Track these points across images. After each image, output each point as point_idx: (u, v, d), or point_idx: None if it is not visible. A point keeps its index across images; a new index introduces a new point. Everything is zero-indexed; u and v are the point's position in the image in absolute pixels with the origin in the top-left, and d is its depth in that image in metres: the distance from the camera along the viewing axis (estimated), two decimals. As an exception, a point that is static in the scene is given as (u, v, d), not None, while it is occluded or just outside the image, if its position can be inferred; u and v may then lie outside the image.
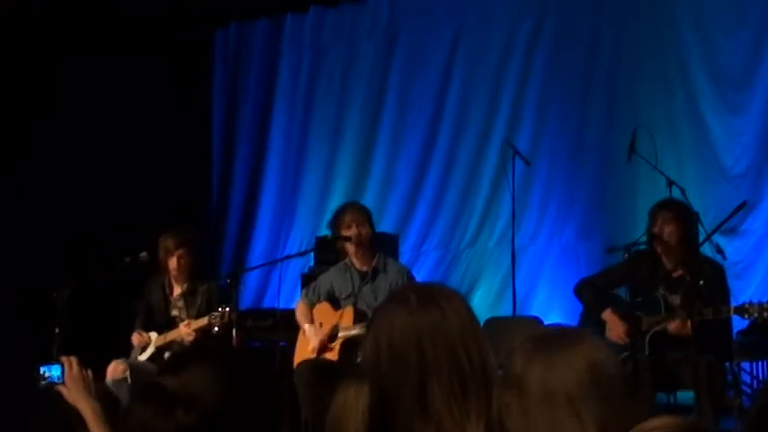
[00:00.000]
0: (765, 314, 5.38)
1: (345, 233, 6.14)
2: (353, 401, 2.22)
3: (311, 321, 6.23)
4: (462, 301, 1.97)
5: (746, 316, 5.47)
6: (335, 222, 6.20)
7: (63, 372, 2.79)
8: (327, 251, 7.40)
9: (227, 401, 1.83)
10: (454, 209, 8.36)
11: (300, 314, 6.31)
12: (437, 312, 1.89)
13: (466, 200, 8.32)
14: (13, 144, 8.01)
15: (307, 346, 6.19)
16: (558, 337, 2.09)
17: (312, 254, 7.83)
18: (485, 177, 8.25)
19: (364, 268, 6.15)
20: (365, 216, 6.12)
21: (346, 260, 6.22)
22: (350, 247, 6.16)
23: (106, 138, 8.32)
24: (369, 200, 7.83)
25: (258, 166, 9.14)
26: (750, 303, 5.43)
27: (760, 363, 6.77)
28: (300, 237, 8.78)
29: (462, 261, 8.30)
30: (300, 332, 6.32)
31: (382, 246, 6.30)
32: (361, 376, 2.19)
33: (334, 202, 8.71)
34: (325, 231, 8.43)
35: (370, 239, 6.10)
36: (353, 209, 6.23)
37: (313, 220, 8.78)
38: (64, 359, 2.85)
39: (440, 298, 1.92)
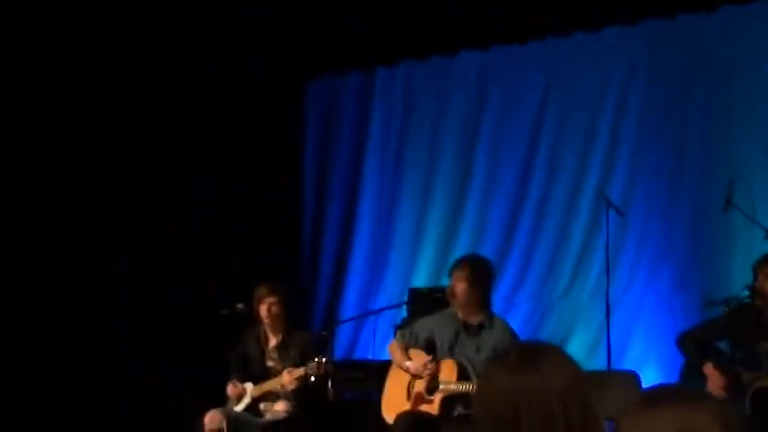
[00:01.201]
0: None
1: (449, 285, 6.18)
2: None
3: (409, 358, 6.15)
4: (567, 361, 1.95)
5: None
6: (449, 272, 6.23)
7: None
8: (421, 303, 7.44)
9: None
10: (547, 259, 8.33)
11: (397, 354, 6.21)
12: (536, 373, 1.89)
13: (558, 250, 8.29)
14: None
15: (399, 384, 6.11)
16: (654, 396, 2.02)
17: (405, 306, 7.86)
18: (578, 228, 8.22)
19: (470, 320, 6.10)
20: (467, 272, 6.04)
21: (452, 309, 6.17)
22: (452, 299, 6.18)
23: (202, 192, 8.48)
24: (460, 251, 7.84)
25: (350, 217, 9.22)
26: None
27: None
28: (393, 289, 8.82)
29: (555, 312, 8.26)
30: (390, 372, 6.25)
31: (489, 304, 6.19)
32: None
33: (427, 254, 8.77)
34: (418, 283, 8.53)
35: (468, 297, 6.04)
36: (458, 263, 6.18)
37: (405, 271, 8.81)
38: None
39: (541, 357, 1.92)
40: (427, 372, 6.01)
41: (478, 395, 1.98)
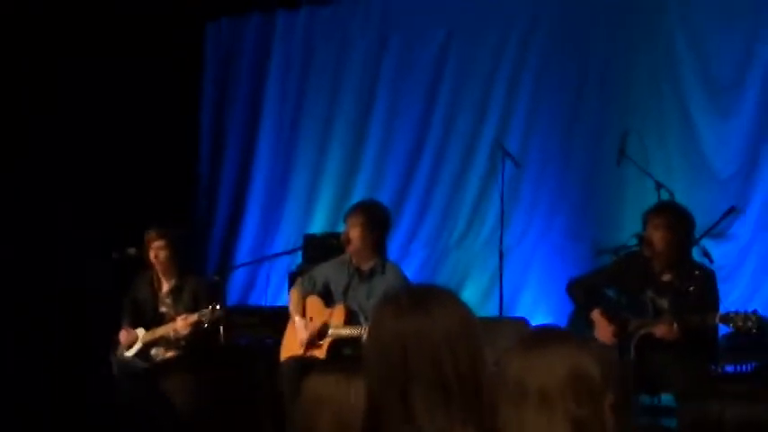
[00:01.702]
0: (749, 323, 5.42)
1: (343, 231, 6.17)
2: (327, 396, 2.23)
3: (303, 313, 6.22)
4: (456, 305, 1.95)
5: (730, 324, 5.50)
6: (344, 218, 6.23)
7: None
8: (316, 249, 7.44)
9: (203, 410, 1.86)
10: (443, 208, 8.38)
11: (293, 304, 6.28)
12: (425, 316, 1.88)
13: (454, 199, 8.34)
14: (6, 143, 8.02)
15: (295, 338, 6.18)
16: (542, 337, 2.17)
17: (300, 252, 7.85)
18: (474, 177, 8.27)
19: (363, 267, 6.14)
20: (362, 218, 6.07)
21: (346, 255, 6.20)
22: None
23: (96, 135, 8.31)
24: (357, 198, 7.84)
25: (247, 162, 9.14)
26: (735, 313, 5.47)
27: (744, 365, 6.85)
28: (288, 235, 8.79)
29: (450, 260, 8.33)
30: (290, 322, 6.30)
31: (383, 250, 6.23)
32: (347, 372, 2.22)
33: (323, 200, 8.75)
34: (314, 229, 8.52)
35: (361, 243, 6.06)
36: (353, 209, 6.22)
37: (301, 217, 8.78)
38: None
39: (431, 301, 1.91)
40: (305, 343, 6.04)
41: (368, 338, 1.97)
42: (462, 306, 1.95)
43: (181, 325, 6.39)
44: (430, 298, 1.92)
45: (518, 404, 2.01)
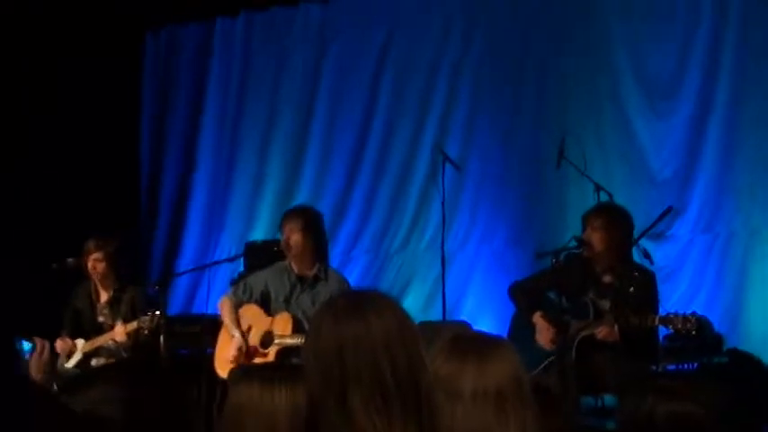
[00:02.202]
0: (688, 325, 5.47)
1: (282, 238, 6.11)
2: (257, 401, 2.22)
3: (238, 325, 6.13)
4: (394, 309, 1.94)
5: (670, 327, 5.55)
6: (280, 225, 6.17)
7: (32, 351, 2.77)
8: (258, 257, 7.39)
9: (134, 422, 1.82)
10: (384, 213, 8.37)
11: (227, 315, 6.16)
12: (362, 321, 1.88)
13: (396, 204, 8.34)
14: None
15: (227, 350, 6.09)
16: (483, 339, 2.23)
17: (242, 260, 7.80)
18: (415, 182, 8.27)
19: (305, 273, 6.08)
20: (300, 223, 6.02)
21: (286, 263, 6.15)
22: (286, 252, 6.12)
23: (33, 142, 8.22)
24: (301, 200, 7.84)
25: (188, 170, 9.08)
26: (675, 314, 5.51)
27: (684, 365, 6.90)
28: (230, 242, 8.73)
29: (392, 265, 8.33)
30: (223, 329, 6.20)
31: (324, 255, 6.22)
32: (293, 379, 2.21)
33: (265, 207, 8.70)
34: (255, 236, 8.46)
35: (303, 248, 6.02)
36: (289, 214, 6.17)
37: (243, 225, 8.73)
38: (38, 341, 2.82)
39: (367, 306, 1.91)
40: (238, 357, 5.97)
41: (306, 343, 1.96)
42: (399, 310, 1.94)
43: (119, 332, 6.31)
44: (367, 303, 1.91)
45: (452, 405, 2.07)
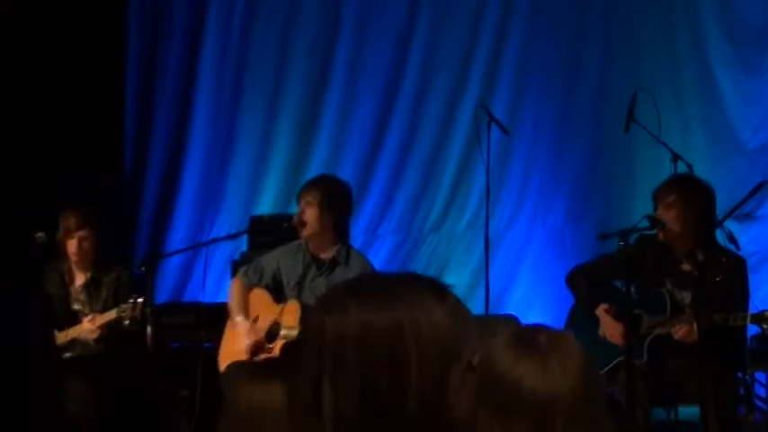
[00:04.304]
0: None
1: (297, 212, 6.08)
2: (279, 402, 2.20)
3: (246, 312, 6.12)
4: (427, 303, 1.83)
5: (764, 326, 5.50)
6: (297, 196, 6.16)
7: None
8: (264, 233, 7.36)
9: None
10: (417, 185, 8.36)
11: (234, 299, 6.18)
12: (375, 312, 1.81)
13: (431, 175, 8.32)
14: None
15: (236, 342, 6.08)
16: (545, 335, 2.22)
17: (245, 237, 7.77)
18: (454, 148, 8.26)
19: (321, 255, 6.07)
20: (319, 195, 5.99)
21: (300, 241, 6.12)
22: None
23: (12, 102, 8.20)
24: (312, 173, 7.70)
25: (181, 134, 9.05)
26: None
27: (777, 373, 6.85)
28: (231, 217, 8.71)
29: (426, 247, 8.33)
30: (229, 322, 6.22)
31: (345, 236, 6.20)
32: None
33: (272, 176, 8.68)
34: (261, 210, 8.42)
35: (319, 226, 6.00)
36: (308, 186, 6.15)
37: (246, 197, 8.70)
38: None
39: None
40: (250, 349, 5.97)
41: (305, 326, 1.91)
42: (437, 306, 1.82)
43: (87, 327, 6.25)
44: (396, 290, 1.83)
45: (506, 414, 2.11)
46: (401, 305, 1.79)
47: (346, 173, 7.78)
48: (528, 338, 2.21)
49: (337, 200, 6.08)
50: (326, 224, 6.03)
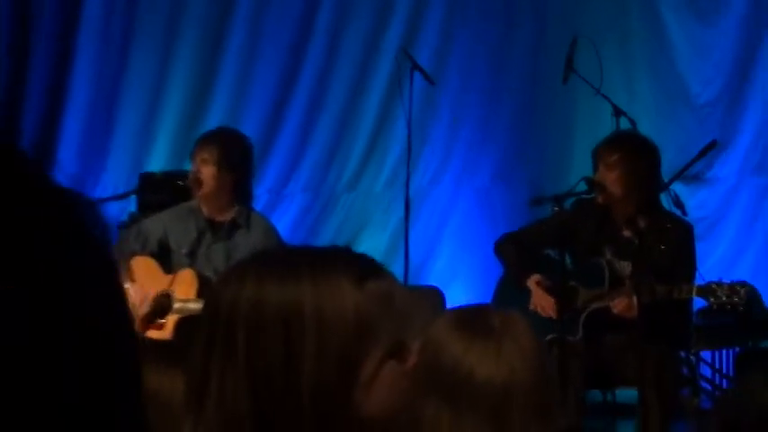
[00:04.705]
0: (736, 298, 5.49)
1: (192, 170, 6.07)
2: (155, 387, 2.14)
3: (131, 278, 6.07)
4: (348, 287, 1.80)
5: (711, 299, 5.57)
6: (191, 153, 6.14)
7: None
8: (156, 193, 7.32)
9: None
10: (329, 139, 8.36)
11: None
12: (291, 287, 1.79)
13: (345, 127, 8.33)
14: None
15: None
16: (496, 317, 2.27)
17: (134, 197, 7.73)
18: (371, 99, 8.27)
19: (218, 218, 6.06)
20: (216, 152, 5.96)
21: (192, 203, 6.11)
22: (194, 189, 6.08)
23: None
24: (211, 124, 7.68)
25: (60, 80, 8.88)
26: (719, 283, 5.53)
27: (724, 352, 6.96)
28: (118, 175, 8.62)
29: (339, 208, 8.35)
30: None
31: (247, 196, 6.17)
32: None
33: (165, 129, 8.59)
34: (152, 167, 8.36)
35: (217, 185, 5.97)
36: (204, 140, 6.12)
37: (135, 152, 8.62)
38: None
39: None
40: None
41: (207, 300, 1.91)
42: (352, 289, 1.78)
43: None
44: (304, 266, 1.80)
45: (456, 405, 2.16)
46: (305, 283, 1.76)
47: (248, 126, 7.74)
48: (478, 322, 2.24)
49: (237, 156, 6.06)
50: (225, 184, 6.00)
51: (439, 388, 2.17)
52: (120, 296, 0.92)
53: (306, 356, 1.72)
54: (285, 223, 7.76)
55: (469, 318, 2.27)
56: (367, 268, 1.81)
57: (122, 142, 8.74)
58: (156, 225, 6.16)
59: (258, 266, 1.83)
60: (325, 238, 8.12)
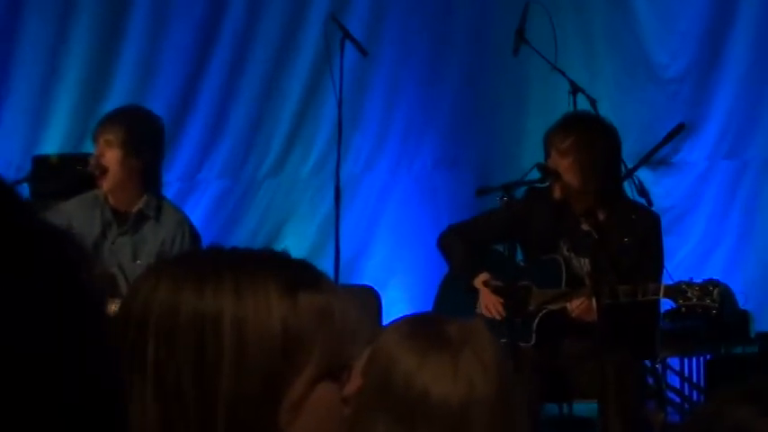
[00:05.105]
0: (708, 300, 5.53)
1: (94, 154, 6.05)
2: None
3: None
4: (276, 296, 1.81)
5: (680, 301, 5.60)
6: (93, 135, 6.11)
7: None
8: (51, 179, 7.28)
9: None
10: (249, 119, 8.37)
11: None
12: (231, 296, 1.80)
13: (267, 106, 8.34)
14: None
15: None
16: (454, 327, 2.28)
17: (26, 184, 7.66)
18: (297, 73, 8.29)
19: (125, 208, 6.05)
20: (121, 134, 5.94)
21: (99, 191, 6.08)
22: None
23: None
24: (115, 102, 7.66)
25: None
26: (689, 283, 5.57)
27: (694, 359, 7.00)
28: (7, 158, 8.52)
29: (260, 196, 8.37)
30: None
31: (157, 184, 6.17)
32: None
33: (61, 108, 8.57)
34: (47, 149, 8.30)
35: (122, 172, 5.95)
36: (107, 120, 6.10)
37: (28, 133, 8.59)
38: None
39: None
40: None
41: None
42: (282, 302, 1.80)
43: None
44: (228, 272, 1.81)
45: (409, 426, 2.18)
46: (226, 291, 1.76)
47: (157, 104, 7.71)
48: (433, 333, 2.25)
49: (146, 138, 6.06)
50: (131, 170, 5.99)
51: (389, 408, 2.17)
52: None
53: (223, 372, 1.73)
54: (199, 214, 7.73)
55: (423, 328, 2.27)
56: (301, 277, 1.80)
57: (12, 121, 8.69)
58: (58, 217, 6.11)
59: (175, 268, 1.82)
60: (244, 231, 8.14)
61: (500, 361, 2.25)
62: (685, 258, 7.31)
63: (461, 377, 2.18)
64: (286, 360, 1.76)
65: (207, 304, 1.75)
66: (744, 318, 6.88)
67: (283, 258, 1.85)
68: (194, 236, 6.14)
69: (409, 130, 8.15)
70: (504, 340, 5.65)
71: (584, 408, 6.12)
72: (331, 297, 1.82)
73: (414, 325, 2.30)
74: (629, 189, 6.21)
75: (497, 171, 6.90)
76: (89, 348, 0.98)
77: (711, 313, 5.63)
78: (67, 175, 7.07)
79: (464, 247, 6.02)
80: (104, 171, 5.99)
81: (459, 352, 2.20)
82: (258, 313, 1.76)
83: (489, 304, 5.89)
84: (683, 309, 5.65)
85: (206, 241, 6.47)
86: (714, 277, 5.76)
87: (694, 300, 5.54)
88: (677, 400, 7.01)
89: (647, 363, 6.23)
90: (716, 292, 5.54)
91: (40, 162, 7.78)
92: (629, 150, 6.19)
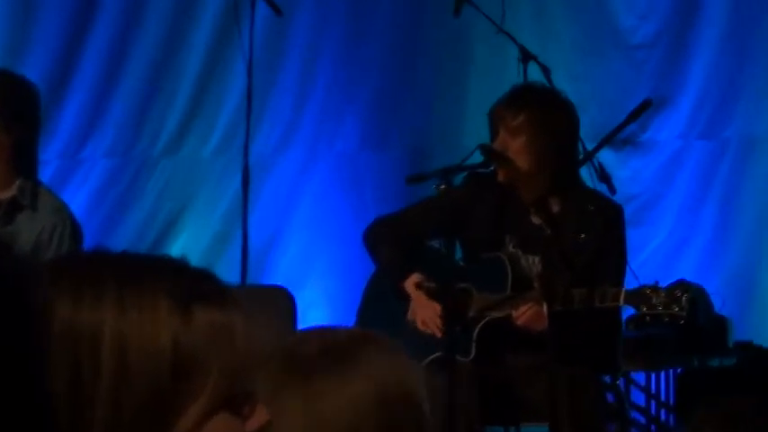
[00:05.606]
0: (676, 308, 5.52)
1: None
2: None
3: None
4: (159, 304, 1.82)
5: (643, 309, 5.61)
6: None
7: None
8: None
9: None
10: (141, 88, 8.38)
11: None
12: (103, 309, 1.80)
13: (162, 74, 8.37)
14: None
15: None
16: (327, 346, 2.33)
17: None
18: (198, 36, 8.32)
19: None
20: None
21: None
22: None
23: None
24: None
25: None
26: (653, 288, 5.57)
27: (663, 373, 7.04)
28: None
29: (155, 178, 8.37)
30: None
31: (32, 167, 6.10)
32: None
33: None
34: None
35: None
36: None
37: None
38: None
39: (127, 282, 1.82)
40: None
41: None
42: (172, 318, 1.81)
43: None
44: (112, 281, 1.81)
45: None
46: (107, 303, 1.78)
47: (33, 71, 7.68)
48: (299, 358, 2.29)
49: (18, 110, 6.03)
50: (1, 147, 5.96)
51: None
52: None
53: (100, 396, 1.74)
54: (81, 198, 7.80)
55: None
56: (198, 289, 1.81)
57: None
58: None
59: (53, 273, 1.81)
60: (134, 220, 8.18)
61: (401, 380, 2.29)
62: (654, 254, 7.36)
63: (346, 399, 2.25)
64: (176, 383, 1.76)
65: (84, 317, 1.76)
66: (720, 324, 6.92)
67: (179, 266, 1.86)
68: (75, 227, 6.11)
69: (329, 104, 8.18)
70: (438, 353, 5.69)
71: (534, 431, 6.12)
72: (233, 313, 1.81)
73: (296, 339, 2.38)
74: (587, 174, 6.20)
75: (433, 153, 6.91)
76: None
77: (679, 323, 5.64)
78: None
79: (393, 243, 6.02)
80: None
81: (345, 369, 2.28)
82: (143, 328, 1.77)
83: (422, 311, 5.88)
84: (647, 319, 5.67)
85: (89, 232, 6.45)
86: (686, 277, 5.82)
87: (660, 308, 5.54)
88: (643, 421, 7.03)
89: (607, 378, 6.22)
90: (684, 298, 5.53)
91: None
92: (589, 128, 6.24)
